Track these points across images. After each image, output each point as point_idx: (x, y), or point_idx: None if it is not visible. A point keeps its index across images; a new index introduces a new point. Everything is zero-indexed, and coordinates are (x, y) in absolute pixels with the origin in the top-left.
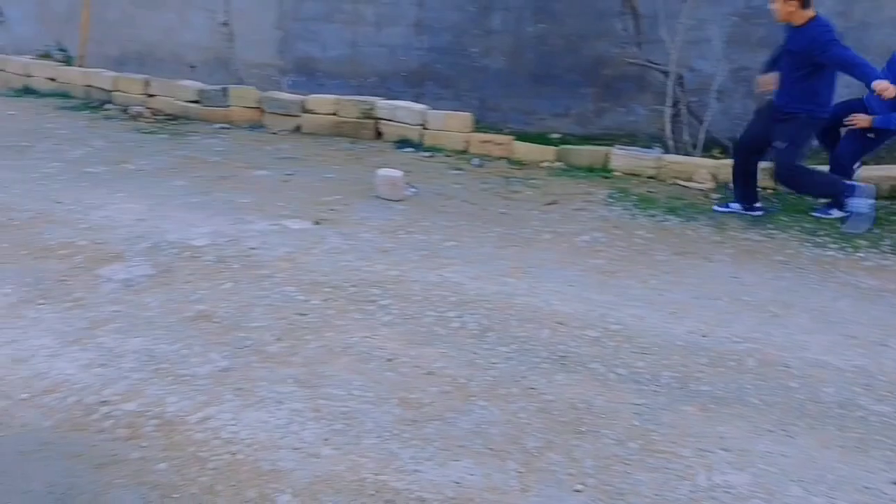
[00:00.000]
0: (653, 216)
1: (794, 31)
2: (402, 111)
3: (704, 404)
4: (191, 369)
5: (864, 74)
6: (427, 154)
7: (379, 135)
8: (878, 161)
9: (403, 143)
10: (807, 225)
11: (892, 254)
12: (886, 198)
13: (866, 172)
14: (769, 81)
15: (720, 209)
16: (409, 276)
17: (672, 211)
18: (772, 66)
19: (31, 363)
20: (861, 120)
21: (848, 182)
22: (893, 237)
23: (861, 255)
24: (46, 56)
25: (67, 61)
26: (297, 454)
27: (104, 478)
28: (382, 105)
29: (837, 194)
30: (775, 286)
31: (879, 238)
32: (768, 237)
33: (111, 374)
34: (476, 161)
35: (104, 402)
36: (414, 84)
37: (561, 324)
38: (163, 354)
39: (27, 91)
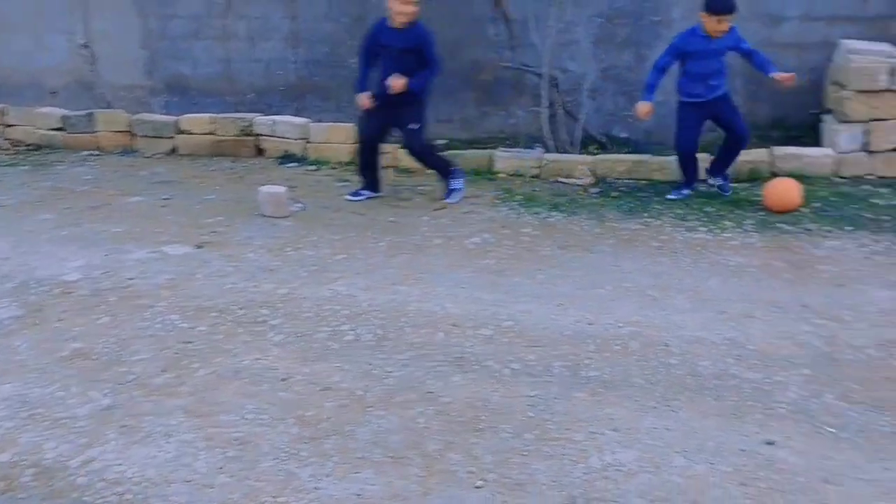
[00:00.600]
0: (538, 214)
1: (400, 33)
2: (282, 126)
3: (594, 389)
4: (69, 411)
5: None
6: (312, 168)
7: (260, 152)
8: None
9: (286, 158)
10: (678, 211)
11: (754, 232)
12: (746, 181)
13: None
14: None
15: (353, 198)
16: (300, 293)
17: (555, 207)
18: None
19: None
20: None
21: (453, 165)
22: (755, 217)
23: (727, 235)
24: None
25: None
26: (190, 486)
27: None
28: (261, 121)
29: (447, 172)
30: (653, 271)
31: (742, 218)
32: (644, 225)
33: None
34: None
35: None
36: (294, 98)
37: (455, 326)
38: (37, 398)
39: None
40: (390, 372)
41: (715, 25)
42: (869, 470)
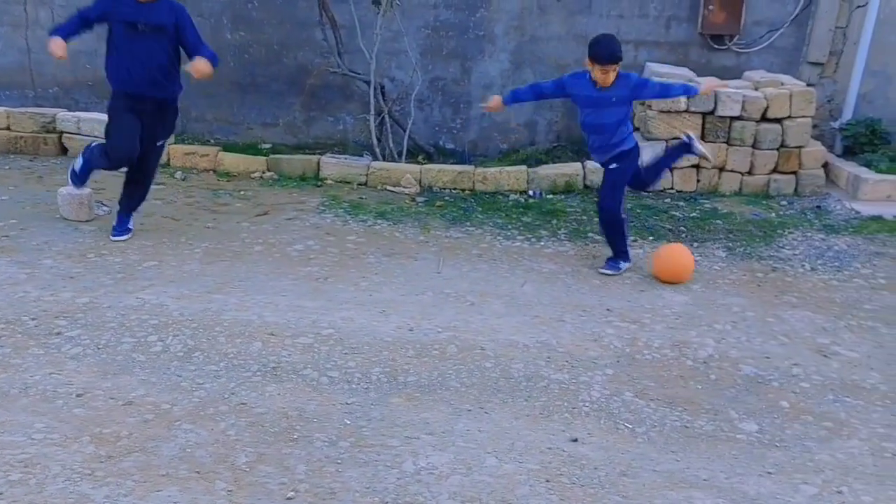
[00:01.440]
0: (364, 221)
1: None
2: (89, 123)
3: (411, 394)
4: None
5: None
6: (124, 170)
7: (64, 150)
8: (555, 160)
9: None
10: (499, 220)
11: (567, 241)
12: (562, 192)
13: (543, 171)
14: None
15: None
16: (102, 303)
17: (381, 215)
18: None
19: None
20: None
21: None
22: (567, 227)
23: (543, 243)
24: None
25: None
26: None
27: None
28: (65, 117)
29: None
30: (472, 277)
31: (557, 228)
32: (466, 234)
33: None
34: (180, 174)
35: None
36: (103, 95)
37: (272, 335)
38: None
39: None
40: (201, 384)
41: (599, 75)
42: (661, 462)
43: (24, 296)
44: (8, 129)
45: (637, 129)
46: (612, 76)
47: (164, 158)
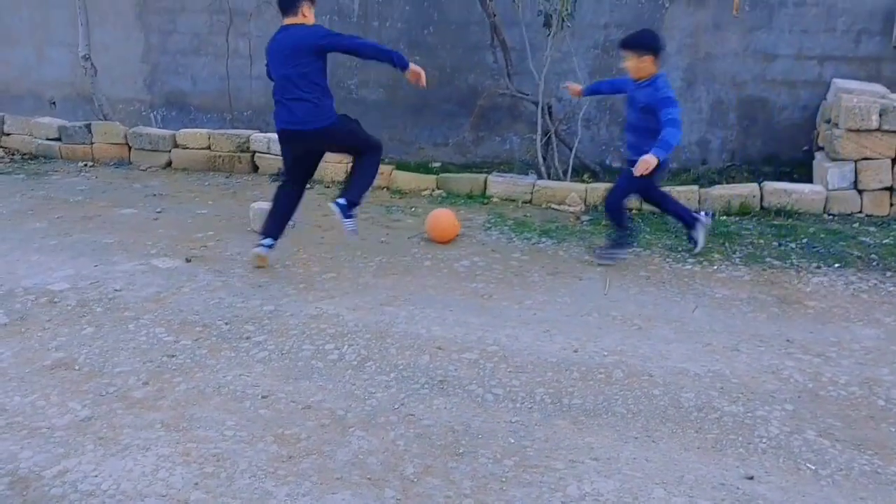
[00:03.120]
0: (528, 239)
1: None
2: (275, 143)
3: (576, 417)
4: (48, 421)
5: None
6: (307, 186)
7: (255, 168)
8: (729, 180)
9: (275, 177)
10: (668, 242)
11: (742, 265)
12: (736, 214)
13: (717, 191)
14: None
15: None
16: (286, 311)
17: (546, 233)
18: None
19: None
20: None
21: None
22: (743, 250)
23: (715, 267)
24: None
25: None
26: (165, 501)
27: None
28: (258, 138)
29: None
30: (640, 300)
31: (731, 251)
32: (634, 255)
33: None
34: None
35: None
36: None
37: (440, 349)
38: (16, 407)
39: None
40: (373, 393)
41: (626, 63)
42: None
43: (219, 302)
44: (209, 148)
45: (821, 149)
46: (632, 66)
47: (341, 176)
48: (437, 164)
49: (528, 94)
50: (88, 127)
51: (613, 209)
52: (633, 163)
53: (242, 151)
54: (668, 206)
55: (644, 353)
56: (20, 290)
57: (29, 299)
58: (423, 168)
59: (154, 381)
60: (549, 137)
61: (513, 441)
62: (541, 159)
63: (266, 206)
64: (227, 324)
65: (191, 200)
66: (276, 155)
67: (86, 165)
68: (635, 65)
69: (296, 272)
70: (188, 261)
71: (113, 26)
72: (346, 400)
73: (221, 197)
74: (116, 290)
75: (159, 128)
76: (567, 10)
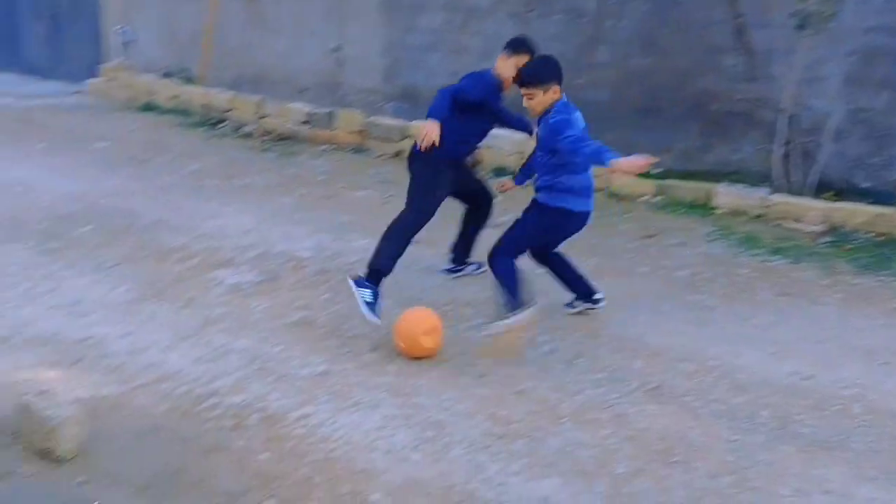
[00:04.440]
0: (756, 255)
1: None
2: (500, 140)
3: (804, 446)
4: (292, 370)
5: None
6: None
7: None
8: None
9: (501, 170)
10: None
11: None
12: None
13: None
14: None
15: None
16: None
17: (778, 252)
18: None
19: (146, 354)
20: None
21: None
22: None
23: None
24: (170, 76)
25: (189, 81)
26: (389, 457)
27: (210, 463)
28: None
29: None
30: (887, 334)
31: None
32: (882, 283)
33: (219, 368)
34: None
35: (212, 394)
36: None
37: (655, 355)
38: (267, 355)
39: (150, 107)
40: (583, 388)
41: (525, 100)
42: None
43: (441, 284)
44: None
45: None
46: (529, 102)
47: None
48: (657, 170)
49: (769, 101)
50: (332, 114)
51: (496, 265)
52: (542, 207)
53: None
54: (565, 272)
55: (889, 390)
56: (272, 253)
57: (279, 262)
58: (642, 173)
59: (382, 348)
60: (790, 149)
61: (731, 459)
62: (779, 172)
63: None
64: (446, 304)
65: None
66: (499, 150)
67: (327, 149)
68: (532, 101)
69: None
70: (415, 244)
71: (361, 22)
72: (557, 391)
73: None
74: (351, 263)
75: (392, 118)
76: (829, 10)
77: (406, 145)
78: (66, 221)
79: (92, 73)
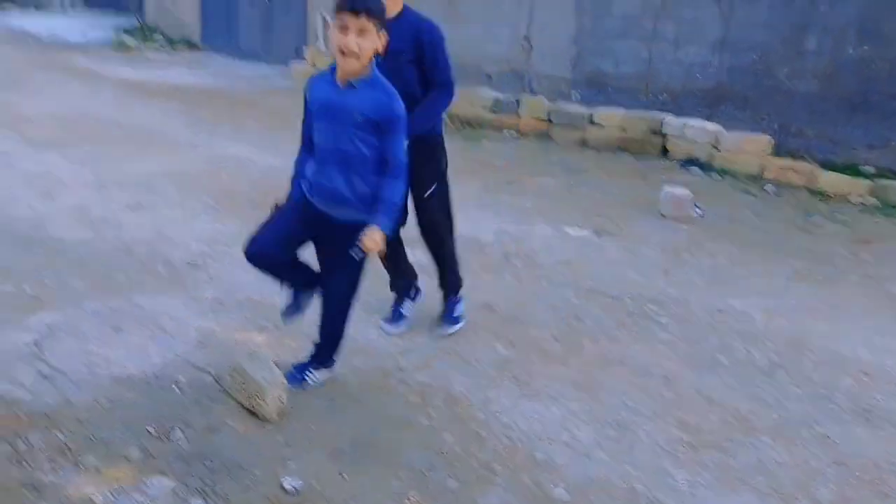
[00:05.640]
0: None
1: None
2: (692, 130)
3: None
4: (475, 354)
5: None
6: (717, 176)
7: (665, 152)
8: None
9: (690, 162)
10: None
11: None
12: None
13: None
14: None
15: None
16: (691, 298)
17: None
18: None
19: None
20: None
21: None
22: None
23: None
24: None
25: None
26: (570, 451)
27: (398, 437)
28: (671, 122)
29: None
30: None
31: None
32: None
33: (406, 344)
34: (772, 188)
35: (400, 370)
36: (707, 104)
37: (866, 374)
38: (451, 337)
39: None
40: (782, 403)
41: (338, 37)
42: None
43: (625, 277)
44: (622, 129)
45: None
46: (358, 43)
47: (757, 169)
48: (870, 169)
49: None
50: (518, 101)
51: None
52: (324, 219)
53: (654, 134)
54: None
55: None
56: (457, 237)
57: (463, 247)
58: (851, 170)
59: (564, 339)
60: None
61: None
62: None
63: (679, 192)
64: (632, 300)
65: (602, 177)
66: (690, 141)
67: (512, 135)
68: (356, 43)
69: (703, 262)
70: (598, 234)
71: (551, 9)
72: (752, 402)
73: (631, 177)
74: (533, 250)
75: (579, 105)
76: None
77: (592, 133)
78: (274, 194)
79: (298, 56)
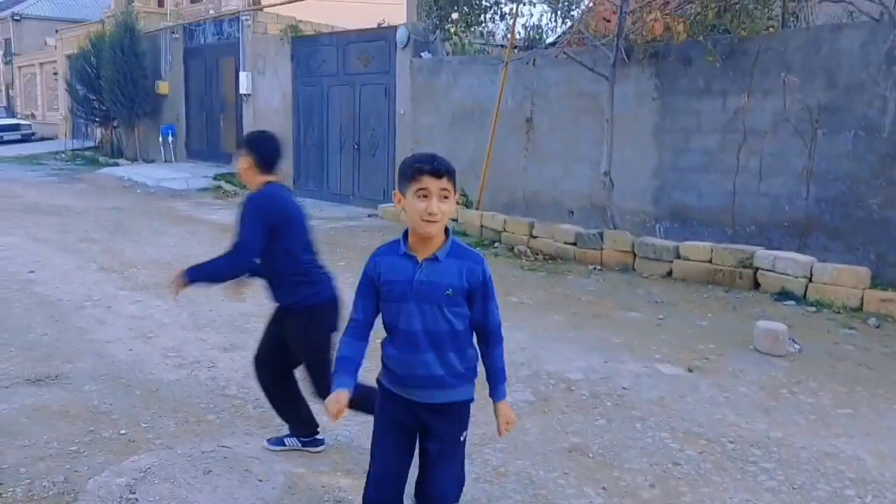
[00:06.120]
0: None
1: None
2: (784, 262)
3: None
4: (566, 500)
5: None
6: (811, 308)
7: (756, 285)
8: None
9: (783, 295)
10: None
11: None
12: None
13: None
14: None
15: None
16: (795, 441)
17: None
18: None
19: None
20: None
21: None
22: None
23: None
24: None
25: (467, 205)
26: None
27: None
28: (762, 254)
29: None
30: None
31: None
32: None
33: (496, 491)
34: (873, 321)
35: None
36: (796, 235)
37: None
38: (541, 480)
39: None
40: None
41: (418, 205)
42: None
43: (722, 418)
44: (710, 262)
45: None
46: (438, 208)
47: (856, 302)
48: None
49: None
50: (601, 235)
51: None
52: (417, 409)
53: (745, 267)
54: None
55: None
56: (544, 373)
57: (550, 383)
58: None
59: (660, 484)
60: None
61: None
62: None
63: (774, 326)
64: (731, 442)
65: (691, 311)
66: (781, 274)
67: (595, 269)
68: (439, 208)
69: (804, 401)
70: (690, 370)
71: (631, 146)
72: None
73: (721, 311)
74: (624, 388)
75: (663, 239)
76: None
77: (677, 265)
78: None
79: (385, 198)
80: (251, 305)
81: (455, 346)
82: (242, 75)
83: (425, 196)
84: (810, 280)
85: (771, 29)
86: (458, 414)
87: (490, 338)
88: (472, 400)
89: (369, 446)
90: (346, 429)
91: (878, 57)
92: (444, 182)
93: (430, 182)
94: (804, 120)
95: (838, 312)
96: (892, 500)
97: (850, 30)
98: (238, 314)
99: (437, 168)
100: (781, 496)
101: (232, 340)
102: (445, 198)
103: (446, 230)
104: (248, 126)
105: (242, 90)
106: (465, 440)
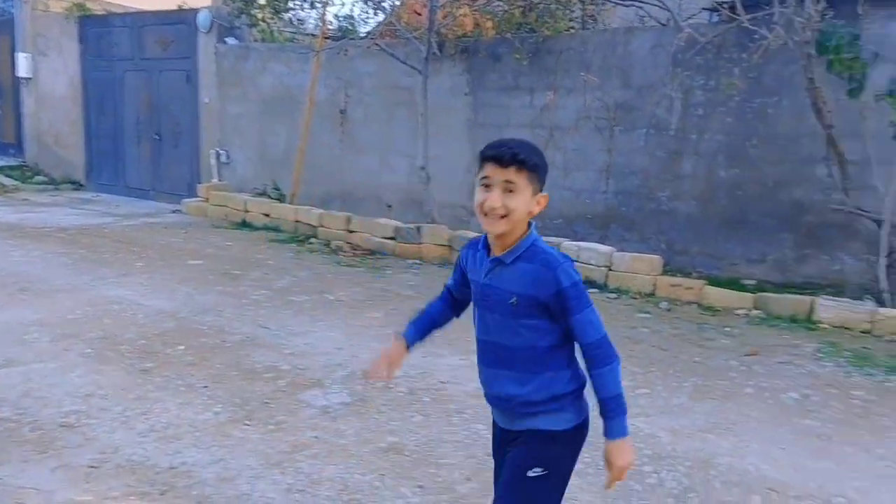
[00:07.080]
0: (872, 375)
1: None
2: (587, 252)
3: None
4: (382, 502)
5: None
6: (612, 295)
7: None
8: None
9: (587, 284)
10: None
11: None
12: None
13: None
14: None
15: None
16: (599, 423)
17: (895, 370)
18: None
19: (235, 483)
20: None
21: None
22: None
23: None
24: (263, 194)
25: (280, 199)
26: None
27: None
28: (567, 245)
29: None
30: None
31: None
32: None
33: (308, 500)
34: (665, 304)
35: None
36: (599, 227)
37: (773, 491)
38: (356, 484)
39: (244, 224)
40: None
41: (486, 198)
42: None
43: None
44: None
45: None
46: (505, 202)
47: (649, 288)
48: (750, 282)
49: (868, 212)
50: (419, 229)
51: None
52: (512, 436)
53: None
54: None
55: None
56: (361, 372)
57: (368, 383)
58: (734, 285)
59: (476, 477)
60: (893, 259)
61: None
62: (884, 284)
63: None
64: None
65: None
66: (585, 263)
67: (414, 263)
68: (501, 200)
69: None
70: None
71: (446, 140)
72: None
73: None
74: (441, 382)
75: (478, 233)
76: None
77: None
78: (160, 340)
79: (190, 193)
80: (30, 313)
81: (533, 366)
82: (20, 56)
83: (487, 186)
84: (610, 269)
85: (572, 30)
86: (536, 443)
87: (585, 360)
88: (558, 431)
89: (164, 465)
90: (141, 447)
91: (666, 60)
92: (509, 173)
93: (492, 170)
94: (603, 117)
95: (635, 298)
96: (684, 472)
97: (641, 33)
98: (16, 323)
99: (501, 155)
100: (587, 476)
101: (7, 354)
102: (511, 191)
103: (529, 226)
104: (30, 114)
105: (21, 73)
106: (537, 478)
